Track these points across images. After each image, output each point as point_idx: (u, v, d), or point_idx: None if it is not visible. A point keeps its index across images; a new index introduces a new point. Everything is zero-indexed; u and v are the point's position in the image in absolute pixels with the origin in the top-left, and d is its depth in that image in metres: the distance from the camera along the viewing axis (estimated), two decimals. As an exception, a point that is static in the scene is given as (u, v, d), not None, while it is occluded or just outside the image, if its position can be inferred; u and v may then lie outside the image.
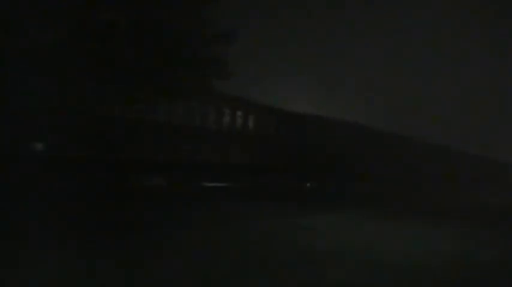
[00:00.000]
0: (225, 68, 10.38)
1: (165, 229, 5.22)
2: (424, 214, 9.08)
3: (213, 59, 10.17)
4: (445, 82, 37.40)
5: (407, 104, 31.44)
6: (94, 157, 6.92)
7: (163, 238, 4.71)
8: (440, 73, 37.31)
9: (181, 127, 8.44)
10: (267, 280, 3.29)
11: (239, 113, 9.74)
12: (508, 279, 3.92)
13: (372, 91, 31.66)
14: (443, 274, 3.80)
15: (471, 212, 10.19)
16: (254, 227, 5.74)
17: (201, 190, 8.55)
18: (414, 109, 31.61)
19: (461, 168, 21.84)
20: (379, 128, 15.93)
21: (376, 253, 4.48)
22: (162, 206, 6.90)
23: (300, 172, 11.13)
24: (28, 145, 6.35)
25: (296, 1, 31.81)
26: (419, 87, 35.17)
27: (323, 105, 21.25)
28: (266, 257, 4.02)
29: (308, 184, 11.55)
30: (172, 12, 9.65)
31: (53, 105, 6.42)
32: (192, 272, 3.40)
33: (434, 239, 5.67)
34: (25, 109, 6.08)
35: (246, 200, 8.32)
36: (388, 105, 30.66)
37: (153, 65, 8.43)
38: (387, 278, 3.51)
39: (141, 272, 3.32)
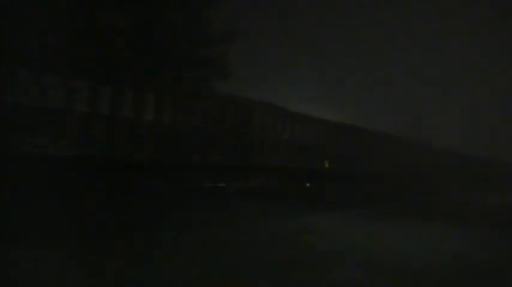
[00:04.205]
0: (226, 68, 10.38)
1: (165, 230, 5.23)
2: (424, 214, 9.08)
3: (213, 59, 10.17)
4: (445, 82, 37.35)
5: (408, 105, 31.40)
6: (93, 156, 6.92)
7: (164, 237, 4.71)
8: (440, 73, 37.26)
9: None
10: (267, 279, 3.29)
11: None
12: (507, 279, 3.92)
13: (372, 92, 31.59)
14: (443, 274, 3.80)
15: (471, 212, 10.19)
16: (254, 228, 5.74)
17: (200, 189, 8.55)
18: (414, 109, 31.58)
19: (461, 168, 21.84)
20: (378, 129, 15.94)
21: (376, 253, 4.48)
22: (162, 206, 6.90)
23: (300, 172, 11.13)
24: (27, 145, 6.35)
25: (297, 1, 31.79)
26: (419, 87, 35.11)
27: (323, 106, 21.22)
28: (266, 257, 4.02)
29: (308, 184, 11.54)
30: (173, 12, 9.66)
31: (52, 105, 6.42)
32: (192, 272, 3.40)
33: (434, 239, 5.68)
34: (25, 109, 6.08)
35: (245, 200, 8.33)
36: (388, 106, 30.62)
37: (154, 65, 8.44)
38: (387, 279, 3.52)
39: (141, 272, 3.32)
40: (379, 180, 14.23)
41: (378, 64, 33.78)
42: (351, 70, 31.00)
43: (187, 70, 9.66)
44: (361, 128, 14.39)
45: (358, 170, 13.40)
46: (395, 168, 15.72)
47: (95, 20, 8.07)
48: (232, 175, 9.19)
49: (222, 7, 10.45)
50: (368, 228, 6.39)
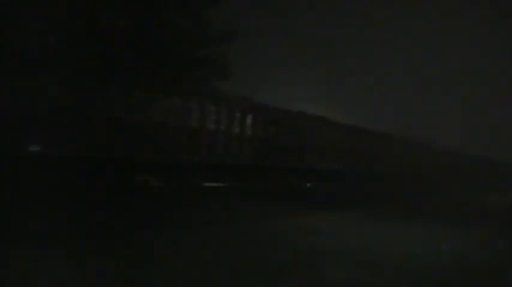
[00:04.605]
0: (226, 68, 10.38)
1: (165, 230, 5.22)
2: (424, 214, 9.08)
3: (213, 59, 10.17)
4: (445, 82, 37.36)
5: (407, 105, 31.39)
6: (94, 156, 6.92)
7: (164, 237, 4.71)
8: (440, 73, 37.26)
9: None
10: (267, 279, 3.29)
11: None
12: (507, 279, 3.92)
13: (372, 92, 31.56)
14: (443, 274, 3.80)
15: (471, 212, 10.19)
16: (254, 227, 5.74)
17: (200, 190, 8.55)
18: (414, 109, 31.57)
19: (461, 168, 21.84)
20: (378, 129, 15.95)
21: (376, 253, 4.48)
22: (162, 207, 6.90)
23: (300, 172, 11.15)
24: (27, 145, 6.36)
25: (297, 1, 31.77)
26: (419, 87, 35.11)
27: (323, 105, 21.20)
28: (266, 257, 4.02)
29: (308, 184, 11.54)
30: (173, 12, 9.65)
31: (52, 105, 6.43)
32: (192, 272, 3.40)
33: (434, 239, 5.67)
34: (25, 109, 6.08)
35: (245, 200, 8.33)
36: (388, 106, 30.61)
37: (154, 65, 8.44)
38: (387, 279, 3.52)
39: (141, 272, 3.32)
40: (379, 180, 14.23)
41: (378, 64, 33.72)
42: (351, 70, 30.95)
43: (187, 70, 9.66)
44: (361, 128, 14.42)
45: (358, 170, 13.41)
46: (395, 168, 15.72)
47: (95, 20, 8.06)
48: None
49: (222, 7, 10.44)
50: (368, 228, 6.39)
